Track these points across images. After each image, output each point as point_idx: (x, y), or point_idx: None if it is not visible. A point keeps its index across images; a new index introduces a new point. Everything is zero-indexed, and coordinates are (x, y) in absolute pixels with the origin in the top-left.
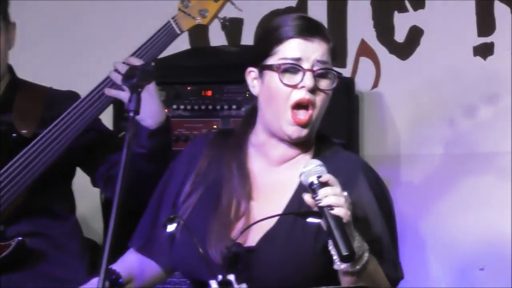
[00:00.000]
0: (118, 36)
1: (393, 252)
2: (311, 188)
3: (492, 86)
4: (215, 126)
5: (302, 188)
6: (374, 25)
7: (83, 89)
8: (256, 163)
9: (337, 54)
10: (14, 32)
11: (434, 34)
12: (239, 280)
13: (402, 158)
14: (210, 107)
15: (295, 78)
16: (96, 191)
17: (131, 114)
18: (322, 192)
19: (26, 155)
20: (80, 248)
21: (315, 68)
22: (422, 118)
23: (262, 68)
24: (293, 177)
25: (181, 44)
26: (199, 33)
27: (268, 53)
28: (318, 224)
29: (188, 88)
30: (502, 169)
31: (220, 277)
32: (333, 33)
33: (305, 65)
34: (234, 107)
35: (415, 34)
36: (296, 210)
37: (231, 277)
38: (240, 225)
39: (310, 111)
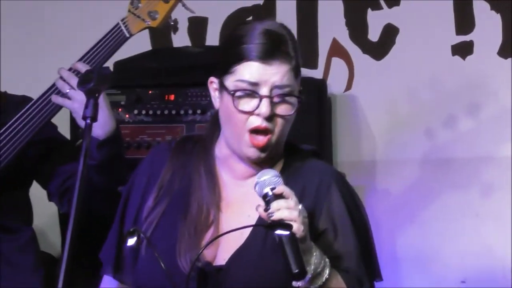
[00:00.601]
0: (76, 37)
1: (361, 267)
2: (265, 200)
3: (472, 87)
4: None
5: None
6: (347, 23)
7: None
8: (223, 174)
9: (307, 62)
10: None
11: (410, 32)
12: None
13: (378, 165)
14: (173, 112)
15: (251, 104)
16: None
17: (88, 121)
18: (274, 205)
19: None
20: (34, 262)
21: (273, 94)
22: (398, 121)
23: (221, 85)
24: (248, 184)
25: (142, 45)
26: (161, 33)
27: (227, 70)
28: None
29: (150, 91)
30: (484, 177)
31: None
32: (303, 32)
33: (263, 90)
34: (199, 111)
35: (390, 32)
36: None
37: None
38: (209, 234)
39: (268, 136)
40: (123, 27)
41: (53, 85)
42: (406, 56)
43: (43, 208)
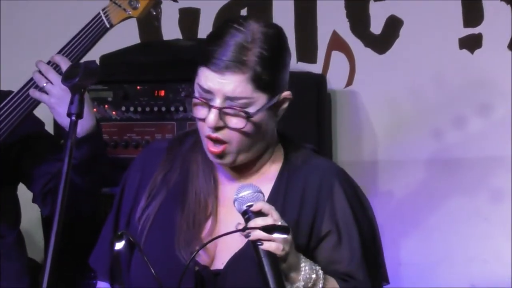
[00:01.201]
0: (56, 30)
1: (366, 274)
2: (244, 218)
3: (480, 82)
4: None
5: (274, 198)
6: (347, 14)
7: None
8: (220, 173)
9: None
10: None
11: (414, 25)
12: None
13: (380, 165)
14: (163, 108)
15: (203, 111)
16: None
17: (73, 118)
18: (251, 224)
19: None
20: (19, 269)
21: (225, 105)
22: (402, 119)
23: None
24: (260, 187)
25: (130, 38)
26: (150, 25)
27: (196, 70)
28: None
29: (138, 87)
30: (494, 179)
31: None
32: (301, 24)
33: (215, 100)
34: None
35: (393, 25)
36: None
37: None
38: (208, 226)
39: (223, 145)
40: (103, 17)
41: (31, 79)
42: (410, 50)
43: (25, 210)
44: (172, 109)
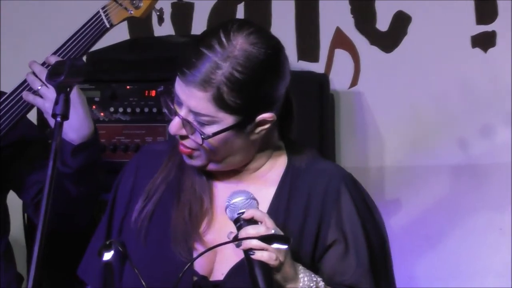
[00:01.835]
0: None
1: (370, 285)
2: (236, 226)
3: (493, 82)
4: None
5: (277, 204)
6: (352, 10)
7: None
8: (214, 176)
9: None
10: None
11: (423, 21)
12: None
13: (387, 172)
14: (154, 110)
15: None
16: (19, 211)
17: (58, 119)
18: (242, 233)
19: None
20: (9, 280)
21: (189, 117)
22: (410, 122)
23: None
24: (261, 191)
25: (119, 34)
26: (140, 20)
27: None
28: (293, 249)
29: (128, 87)
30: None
31: None
32: (302, 20)
33: (180, 107)
34: None
35: (401, 21)
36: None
37: None
38: (204, 223)
39: (189, 150)
40: (103, 17)
41: (24, 81)
42: (419, 48)
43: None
44: (165, 110)
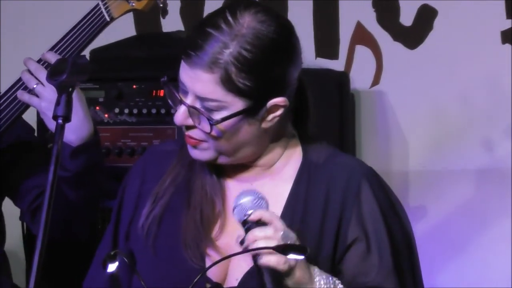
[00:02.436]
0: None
1: (394, 285)
2: (244, 228)
3: None
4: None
5: (293, 202)
6: (374, 4)
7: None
8: (227, 170)
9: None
10: None
11: (450, 15)
12: None
13: (411, 176)
14: (163, 110)
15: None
16: (17, 219)
17: (60, 121)
18: (249, 237)
19: None
20: None
21: (196, 104)
22: (436, 123)
23: None
24: (277, 188)
25: (125, 29)
26: (147, 15)
27: None
28: (312, 250)
29: (134, 86)
30: None
31: None
32: (321, 14)
33: (188, 96)
34: None
35: (426, 15)
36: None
37: None
38: (217, 228)
39: (196, 141)
40: (103, 9)
41: (19, 79)
42: (445, 44)
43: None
44: (173, 111)
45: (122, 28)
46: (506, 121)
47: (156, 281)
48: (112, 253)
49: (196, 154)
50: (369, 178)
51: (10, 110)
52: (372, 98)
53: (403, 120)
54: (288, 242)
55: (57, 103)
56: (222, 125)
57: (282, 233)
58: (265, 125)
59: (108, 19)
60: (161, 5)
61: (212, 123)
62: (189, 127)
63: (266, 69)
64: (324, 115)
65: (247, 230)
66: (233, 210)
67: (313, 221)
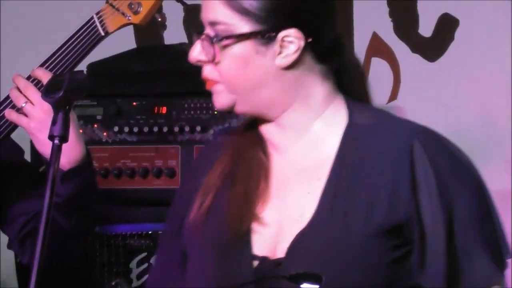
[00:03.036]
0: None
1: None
2: None
3: None
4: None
5: (339, 169)
6: (391, 13)
7: None
8: (268, 144)
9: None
10: None
11: (472, 25)
12: None
13: None
14: (165, 129)
15: None
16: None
17: (56, 141)
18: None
19: None
20: None
21: (211, 33)
22: (456, 140)
23: None
24: (319, 154)
25: (124, 42)
26: (148, 27)
27: None
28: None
29: (135, 103)
30: None
31: None
32: None
33: (201, 28)
34: (198, 128)
35: (447, 25)
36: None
37: None
38: (261, 201)
39: (213, 83)
40: (98, 23)
41: (7, 97)
42: (467, 56)
43: None
44: (176, 129)
45: (121, 41)
46: None
47: (208, 273)
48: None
49: (215, 101)
50: (423, 138)
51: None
52: None
53: None
54: None
55: (53, 122)
56: (229, 52)
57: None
58: (279, 62)
59: (102, 33)
60: (159, 19)
61: (214, 40)
62: (205, 66)
63: None
64: None
65: None
66: None
67: (361, 192)
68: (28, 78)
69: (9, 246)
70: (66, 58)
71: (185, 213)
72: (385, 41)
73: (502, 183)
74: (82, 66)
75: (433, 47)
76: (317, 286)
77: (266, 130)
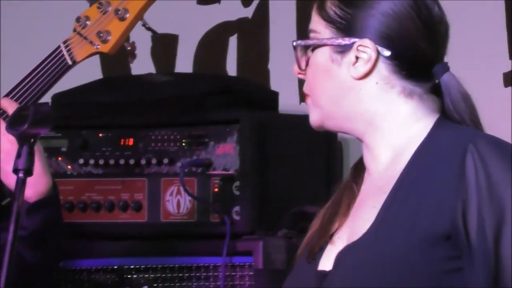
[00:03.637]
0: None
1: None
2: None
3: None
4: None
5: (403, 180)
6: None
7: None
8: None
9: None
10: None
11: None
12: None
13: None
14: (131, 161)
15: None
16: None
17: (21, 175)
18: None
19: None
20: None
21: (301, 42)
22: None
23: None
24: (387, 173)
25: (90, 72)
26: (115, 56)
27: None
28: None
29: (100, 134)
30: None
31: None
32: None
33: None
34: (165, 161)
35: None
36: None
37: None
38: (342, 224)
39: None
40: (65, 52)
41: None
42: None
43: None
44: (143, 162)
45: (87, 70)
46: None
47: None
48: None
49: (310, 116)
50: (478, 144)
51: None
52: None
53: None
54: None
55: (18, 155)
56: (312, 60)
57: None
58: (352, 72)
59: (70, 62)
60: (129, 48)
61: (302, 49)
62: (303, 78)
63: (355, 3)
64: (310, 164)
65: None
66: None
67: (413, 201)
68: None
69: None
70: (32, 88)
71: None
72: None
73: None
74: (47, 97)
75: None
76: None
77: (364, 156)
